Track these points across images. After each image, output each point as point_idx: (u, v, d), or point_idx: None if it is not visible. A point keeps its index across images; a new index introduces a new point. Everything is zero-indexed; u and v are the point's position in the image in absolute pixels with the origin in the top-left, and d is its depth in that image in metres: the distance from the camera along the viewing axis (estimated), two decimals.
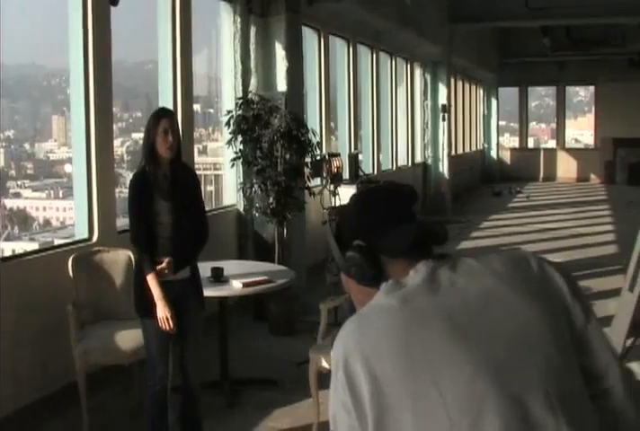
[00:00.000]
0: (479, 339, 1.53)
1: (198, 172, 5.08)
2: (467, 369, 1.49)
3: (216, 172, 9.74)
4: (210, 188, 10.99)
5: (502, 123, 26.87)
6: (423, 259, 1.65)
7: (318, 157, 7.87)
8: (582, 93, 29.23)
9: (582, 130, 27.71)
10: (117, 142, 9.22)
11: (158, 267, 4.23)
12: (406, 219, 1.71)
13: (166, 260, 4.26)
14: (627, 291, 3.39)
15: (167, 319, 4.21)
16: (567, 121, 25.91)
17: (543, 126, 29.44)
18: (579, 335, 1.63)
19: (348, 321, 1.61)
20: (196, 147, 11.21)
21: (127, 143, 10.12)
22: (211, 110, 10.37)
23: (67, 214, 8.03)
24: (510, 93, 25.67)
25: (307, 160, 7.47)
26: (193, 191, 4.47)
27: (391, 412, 1.49)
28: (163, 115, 4.33)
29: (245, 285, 5.29)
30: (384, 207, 1.73)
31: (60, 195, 8.70)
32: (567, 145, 25.31)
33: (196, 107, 10.28)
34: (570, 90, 26.73)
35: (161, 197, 4.28)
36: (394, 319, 1.56)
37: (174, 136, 4.26)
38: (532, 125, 28.22)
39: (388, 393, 1.49)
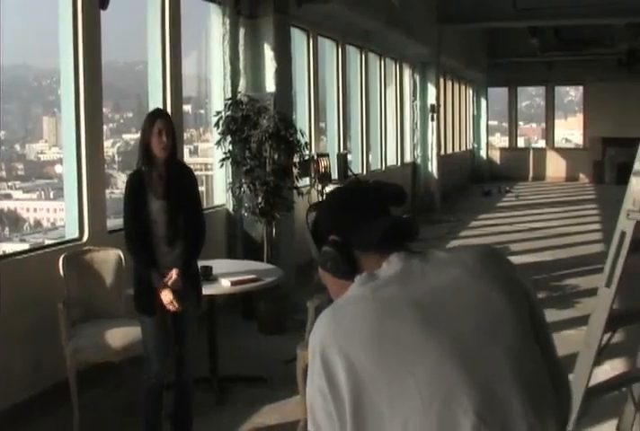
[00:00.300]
0: (448, 329, 1.61)
1: None
2: (438, 359, 1.58)
3: (207, 173, 9.80)
4: (202, 188, 11.03)
5: (493, 123, 26.98)
6: (395, 252, 1.73)
7: (306, 157, 7.95)
8: (572, 93, 29.35)
9: (572, 130, 27.81)
10: (108, 143, 9.26)
11: (166, 280, 4.34)
12: (379, 215, 1.78)
13: (174, 274, 4.36)
14: (604, 287, 3.48)
15: (171, 302, 4.30)
16: (558, 121, 26.03)
17: (534, 125, 29.55)
18: (543, 333, 1.74)
19: (324, 312, 1.68)
20: (187, 148, 11.23)
21: (118, 143, 10.16)
22: (202, 111, 10.42)
23: (58, 215, 8.05)
24: (501, 93, 25.77)
25: (296, 160, 7.55)
26: (189, 191, 4.55)
27: (367, 394, 1.56)
28: (157, 116, 4.43)
29: (234, 283, 5.37)
30: (357, 203, 1.81)
31: (51, 196, 8.74)
32: (558, 145, 25.43)
33: (187, 108, 10.32)
34: (561, 90, 26.88)
35: (155, 197, 4.37)
36: (366, 309, 1.64)
37: (169, 137, 4.36)
38: (523, 125, 28.36)
39: (364, 378, 1.57)
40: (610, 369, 5.29)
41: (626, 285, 3.46)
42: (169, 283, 4.34)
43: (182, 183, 4.49)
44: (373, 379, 1.57)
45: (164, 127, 4.35)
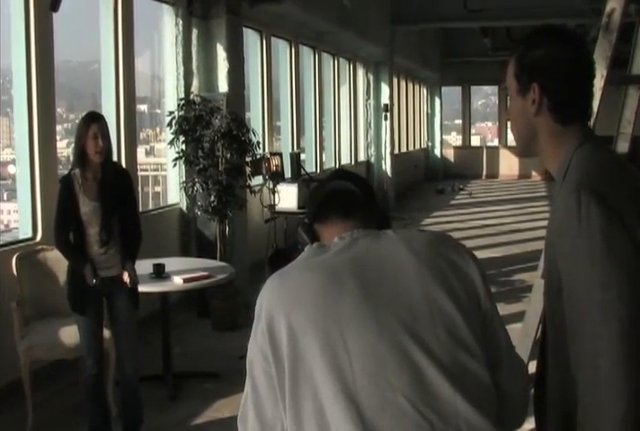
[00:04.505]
0: (386, 304, 1.70)
1: (144, 173, 5.25)
2: (372, 335, 1.66)
3: (162, 173, 9.82)
4: (158, 188, 11.02)
5: (451, 122, 27.22)
6: (350, 227, 1.85)
7: (258, 156, 8.05)
8: None
9: None
10: (63, 143, 9.27)
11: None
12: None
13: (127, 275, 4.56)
14: (540, 278, 3.64)
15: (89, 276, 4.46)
16: None
17: (489, 124, 29.88)
18: (484, 316, 1.80)
19: (272, 275, 1.79)
20: (144, 148, 11.24)
21: (73, 144, 10.13)
22: (159, 111, 10.47)
23: (12, 217, 8.03)
24: (457, 92, 26.04)
25: (248, 159, 7.64)
26: (124, 192, 4.64)
27: (303, 361, 1.66)
28: (92, 120, 4.48)
29: (186, 280, 5.46)
30: (320, 187, 2.00)
31: (5, 197, 8.72)
32: (512, 143, 25.74)
33: (143, 107, 10.35)
34: None
35: (88, 198, 4.46)
36: (312, 276, 1.74)
37: (104, 141, 4.44)
38: (479, 123, 28.64)
39: (302, 343, 1.66)
40: None
41: None
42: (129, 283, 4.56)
43: (117, 185, 4.57)
44: (310, 343, 1.66)
45: (100, 131, 4.43)
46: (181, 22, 8.14)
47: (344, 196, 1.92)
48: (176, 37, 8.16)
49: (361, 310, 1.68)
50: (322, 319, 1.67)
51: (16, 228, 6.40)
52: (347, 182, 1.96)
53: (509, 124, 2.06)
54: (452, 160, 25.67)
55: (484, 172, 25.25)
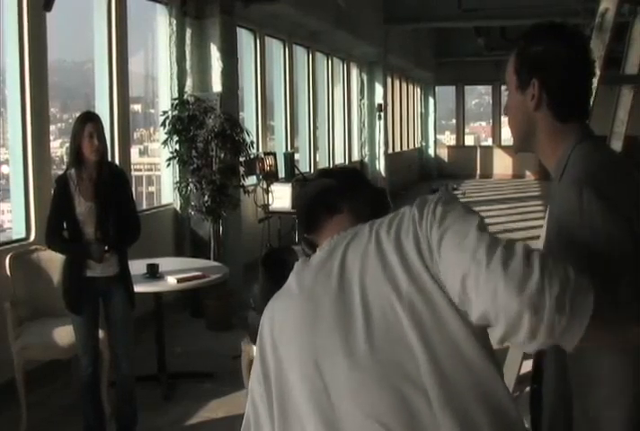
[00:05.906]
0: (356, 322, 1.61)
1: (138, 173, 5.25)
2: (345, 353, 1.60)
3: (156, 173, 9.81)
4: (151, 188, 11.00)
5: (445, 121, 27.21)
6: (338, 223, 1.84)
7: (252, 156, 8.05)
8: None
9: None
10: (56, 143, 9.24)
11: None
12: None
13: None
14: None
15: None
16: (506, 119, 26.31)
17: (483, 124, 29.89)
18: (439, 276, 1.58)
19: (271, 300, 1.79)
20: (137, 148, 11.22)
21: (66, 144, 10.09)
22: (152, 111, 10.44)
23: (6, 217, 8.00)
24: (451, 92, 26.05)
25: (242, 159, 7.64)
26: (120, 192, 4.64)
27: (288, 392, 1.66)
28: (88, 119, 4.50)
29: (180, 280, 5.46)
30: (299, 199, 2.05)
31: None
32: (505, 143, 25.77)
33: (137, 107, 10.32)
34: None
35: (84, 198, 4.47)
36: (294, 303, 1.73)
37: (100, 140, 4.45)
38: (473, 123, 28.63)
39: (285, 375, 1.67)
40: None
41: None
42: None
43: (113, 184, 4.58)
44: (292, 376, 1.66)
45: (95, 131, 4.45)
46: (174, 22, 8.14)
47: (321, 196, 1.90)
48: (170, 36, 8.15)
49: (333, 335, 1.63)
50: (300, 349, 1.67)
51: (10, 228, 6.38)
52: (322, 179, 1.95)
53: (504, 120, 2.05)
54: (446, 159, 25.68)
55: (478, 172, 25.27)
